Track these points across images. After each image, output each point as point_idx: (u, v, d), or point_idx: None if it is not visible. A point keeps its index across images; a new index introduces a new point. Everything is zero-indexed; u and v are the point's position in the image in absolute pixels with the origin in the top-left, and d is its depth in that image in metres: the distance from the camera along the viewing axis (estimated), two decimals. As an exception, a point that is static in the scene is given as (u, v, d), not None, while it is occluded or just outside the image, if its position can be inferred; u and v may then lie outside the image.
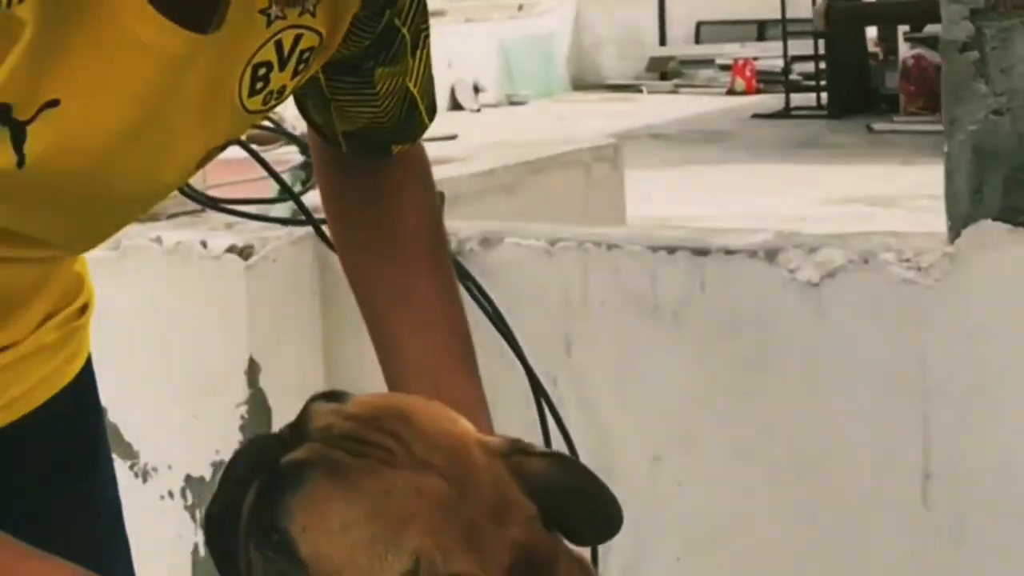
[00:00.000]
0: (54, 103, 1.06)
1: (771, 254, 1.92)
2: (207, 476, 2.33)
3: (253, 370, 2.27)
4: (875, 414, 1.89)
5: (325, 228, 2.28)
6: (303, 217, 2.26)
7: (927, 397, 1.85)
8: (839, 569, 1.97)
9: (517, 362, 2.08)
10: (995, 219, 1.77)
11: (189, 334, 2.28)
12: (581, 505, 1.11)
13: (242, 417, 2.28)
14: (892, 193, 8.39)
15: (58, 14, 1.04)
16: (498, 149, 3.09)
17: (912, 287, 1.83)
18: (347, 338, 2.34)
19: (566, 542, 1.10)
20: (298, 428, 1.09)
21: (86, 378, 1.51)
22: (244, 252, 2.24)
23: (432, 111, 1.35)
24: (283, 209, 2.32)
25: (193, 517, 2.35)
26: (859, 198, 8.45)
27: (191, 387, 2.30)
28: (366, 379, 2.34)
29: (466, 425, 1.11)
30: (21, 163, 1.07)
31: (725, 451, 2.00)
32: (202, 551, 2.35)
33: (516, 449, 1.11)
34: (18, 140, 1.07)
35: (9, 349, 1.34)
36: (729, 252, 1.94)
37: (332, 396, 1.11)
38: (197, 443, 2.32)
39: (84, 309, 1.45)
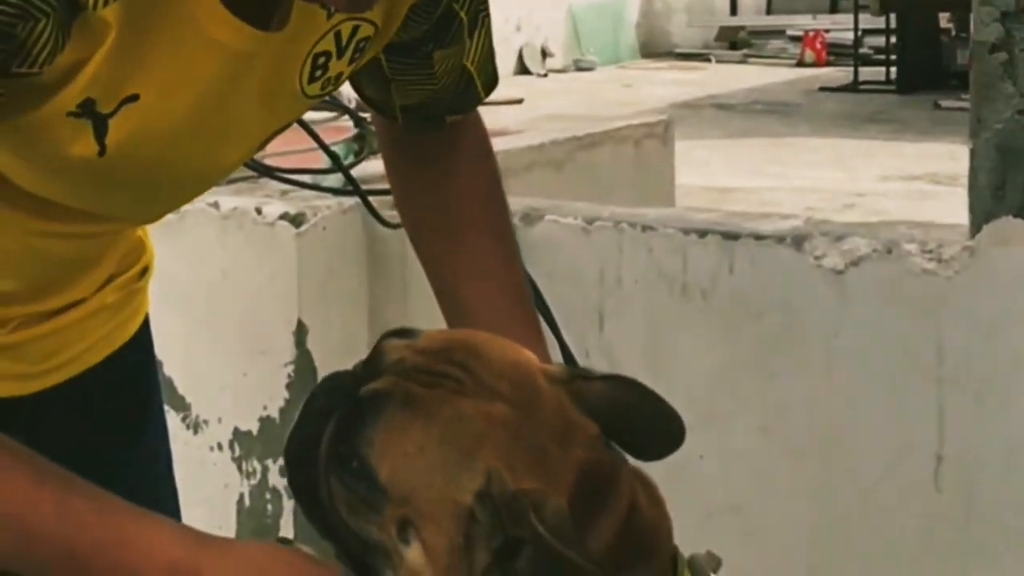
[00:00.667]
0: (134, 98, 1.13)
1: (798, 241, 1.97)
2: (254, 430, 2.41)
3: (301, 332, 2.35)
4: (892, 398, 1.94)
5: (372, 199, 2.36)
6: (352, 188, 2.34)
7: (943, 384, 1.90)
8: (852, 544, 2.02)
9: (551, 334, 2.15)
10: (1016, 216, 1.81)
11: (241, 296, 2.36)
12: (642, 421, 1.14)
13: (289, 376, 2.36)
14: (954, 172, 8.34)
15: (140, 16, 1.10)
16: (550, 123, 3.13)
17: (933, 278, 1.88)
18: (391, 303, 2.41)
19: (629, 459, 1.13)
20: (371, 364, 1.13)
21: (144, 336, 1.60)
22: (296, 220, 2.31)
23: (490, 85, 1.39)
24: (334, 180, 2.39)
25: (239, 468, 2.44)
26: (921, 175, 8.39)
27: (242, 346, 2.38)
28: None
29: (529, 355, 1.15)
30: (102, 152, 1.15)
31: (747, 427, 2.05)
32: (247, 501, 2.44)
33: (576, 375, 1.15)
34: (100, 132, 1.14)
35: (75, 308, 1.43)
36: (758, 237, 1.99)
37: (403, 333, 1.16)
38: (246, 399, 2.41)
39: (144, 272, 1.54)
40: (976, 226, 1.85)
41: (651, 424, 1.14)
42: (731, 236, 2.01)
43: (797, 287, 1.97)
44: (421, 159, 1.43)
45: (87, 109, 1.12)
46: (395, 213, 2.32)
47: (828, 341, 1.97)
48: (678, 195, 3.40)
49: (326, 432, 1.11)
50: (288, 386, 2.37)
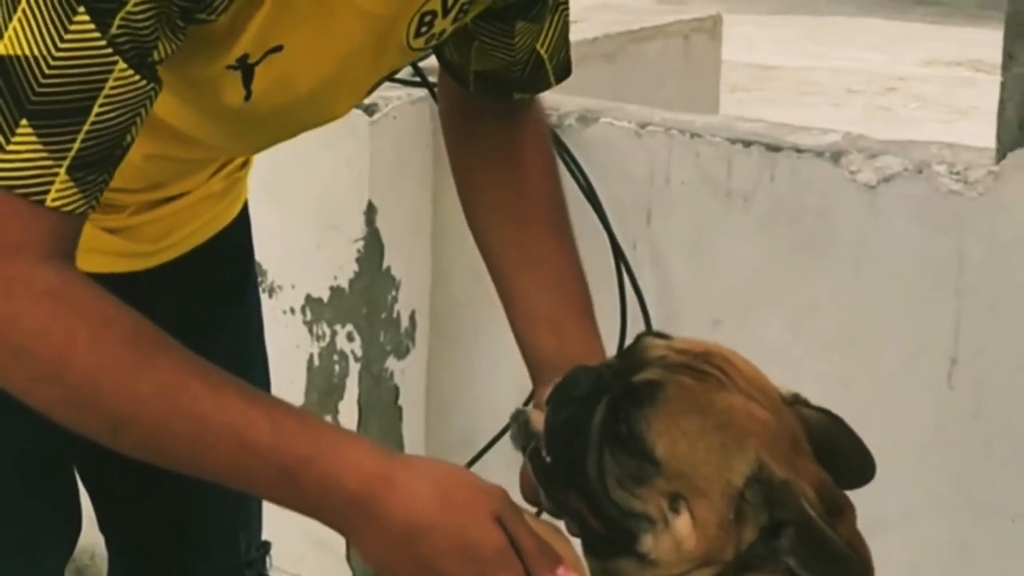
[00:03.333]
0: (278, 48, 1.22)
1: (836, 156, 2.05)
2: (324, 298, 2.54)
3: (371, 211, 2.46)
4: (913, 305, 2.04)
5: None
6: (420, 80, 2.43)
7: (960, 294, 1.99)
8: (869, 433, 2.13)
9: (602, 227, 2.25)
10: None
11: (318, 178, 2.47)
12: (847, 453, 1.24)
13: (358, 251, 2.47)
14: (997, 60, 8.29)
15: None
16: (603, 14, 3.18)
17: (958, 197, 1.96)
18: (454, 189, 2.52)
19: None
20: (631, 357, 1.23)
21: (243, 218, 1.72)
22: (369, 109, 2.40)
23: (562, 73, 1.44)
24: (404, 72, 2.48)
25: (310, 331, 2.57)
26: (963, 62, 8.33)
27: (317, 221, 2.49)
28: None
29: (763, 372, 1.24)
30: (248, 97, 1.24)
31: (779, 322, 2.16)
32: (316, 361, 2.57)
33: (797, 400, 1.25)
34: (247, 79, 1.23)
35: (187, 195, 1.55)
36: (799, 150, 2.08)
37: (660, 335, 1.25)
38: (318, 268, 2.53)
39: (246, 163, 1.65)
40: (1002, 153, 1.93)
41: (852, 458, 1.24)
42: (774, 148, 2.10)
43: (832, 198, 2.06)
44: (486, 151, 1.48)
45: (242, 62, 1.21)
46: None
47: (857, 248, 2.06)
48: (722, 71, 3.43)
49: (597, 413, 1.19)
50: (357, 260, 2.48)
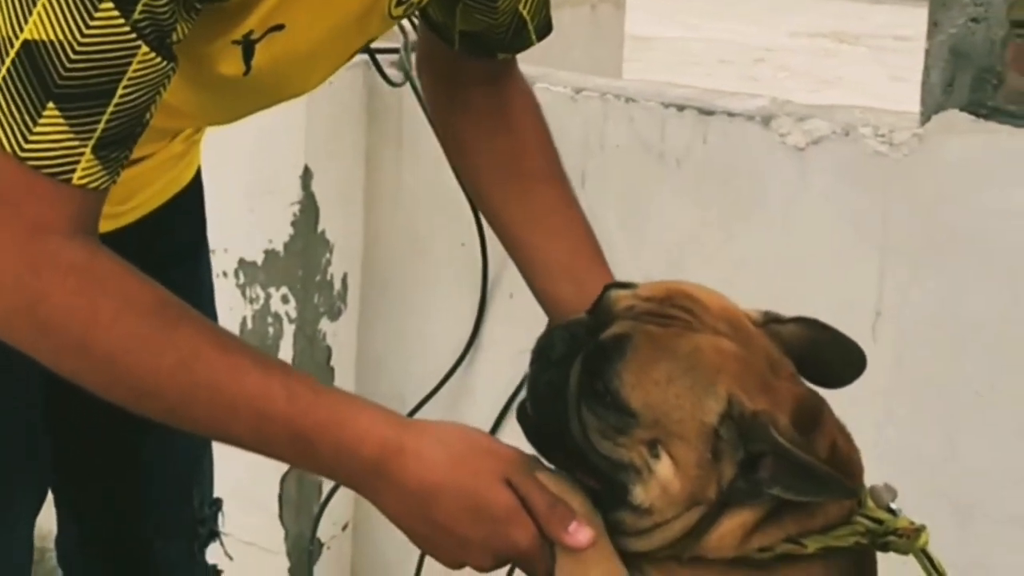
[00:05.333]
0: (280, 27, 1.24)
1: (766, 119, 2.11)
2: (258, 261, 2.54)
3: (307, 176, 2.47)
4: (839, 262, 2.11)
5: (379, 57, 2.47)
6: (359, 46, 2.44)
7: (885, 252, 2.06)
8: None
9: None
10: (962, 110, 1.94)
11: (253, 142, 2.46)
12: (833, 353, 1.25)
13: (294, 214, 2.48)
14: (859, 31, 8.50)
15: None
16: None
17: (884, 159, 2.03)
18: (387, 153, 2.54)
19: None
20: (600, 312, 1.23)
21: (198, 181, 1.73)
22: (308, 74, 2.41)
23: (543, 31, 1.47)
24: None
25: (243, 294, 2.56)
26: (828, 33, 8.54)
27: (251, 186, 2.49)
28: (402, 187, 2.57)
29: (732, 302, 1.24)
30: (247, 72, 1.26)
31: (708, 280, 2.19)
32: (250, 323, 2.58)
33: (770, 318, 1.26)
34: (248, 54, 1.25)
35: (150, 158, 1.56)
36: (731, 114, 2.13)
37: (624, 285, 1.26)
38: (251, 232, 2.53)
39: (183, 131, 1.66)
40: (926, 116, 2.00)
41: (839, 356, 1.26)
42: (707, 112, 2.15)
43: (762, 160, 2.12)
44: (478, 115, 1.49)
45: (246, 38, 1.23)
46: (397, 72, 2.45)
47: (786, 209, 2.13)
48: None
49: (572, 373, 1.20)
50: (293, 223, 2.49)
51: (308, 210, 2.47)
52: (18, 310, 1.15)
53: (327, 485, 2.67)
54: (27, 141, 1.12)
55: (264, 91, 1.38)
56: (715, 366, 1.18)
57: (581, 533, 1.20)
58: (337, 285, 2.57)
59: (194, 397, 1.18)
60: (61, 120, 1.12)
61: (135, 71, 1.13)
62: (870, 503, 1.24)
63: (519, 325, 2.50)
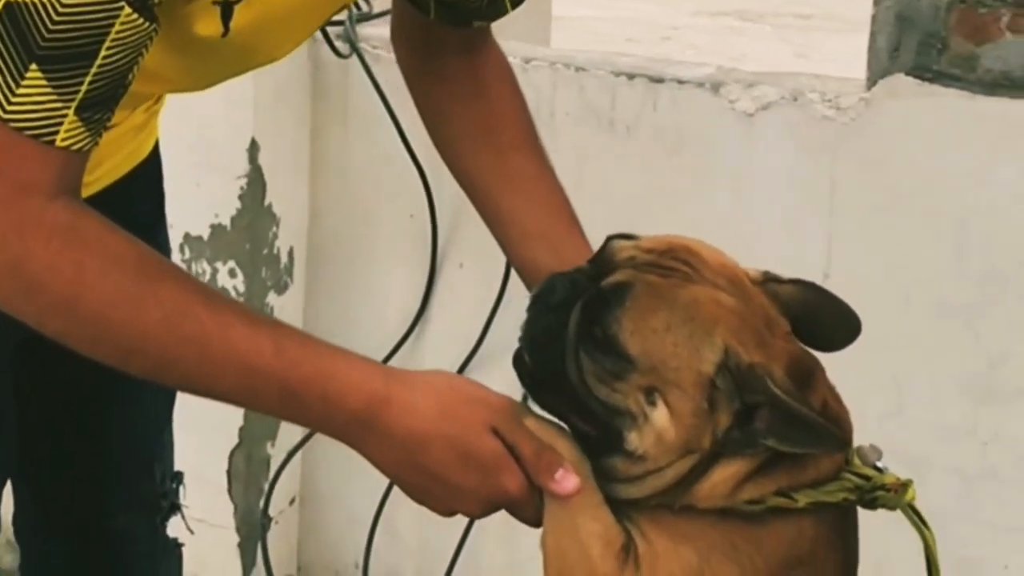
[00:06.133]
0: None
1: (716, 86, 2.16)
2: (204, 235, 2.53)
3: (254, 149, 2.46)
4: (789, 224, 2.16)
5: (326, 28, 2.47)
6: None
7: (834, 213, 2.11)
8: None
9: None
10: (907, 74, 2.00)
11: (198, 116, 2.44)
12: (829, 317, 1.27)
13: (241, 188, 2.47)
14: (762, 10, 8.61)
15: None
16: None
17: (831, 123, 2.08)
18: (333, 127, 2.54)
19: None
20: (601, 261, 1.25)
21: (156, 153, 1.74)
22: (256, 47, 2.40)
23: (517, 0, 1.47)
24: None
25: (189, 269, 2.55)
26: (730, 12, 8.64)
27: (196, 160, 2.48)
28: (348, 159, 2.57)
29: (731, 259, 1.26)
30: (225, 33, 1.26)
31: (659, 245, 2.26)
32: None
33: (769, 278, 1.27)
34: (227, 16, 1.25)
35: (113, 128, 1.54)
36: (680, 81, 2.17)
37: (626, 236, 1.28)
38: (197, 207, 2.51)
39: (160, 97, 1.66)
40: (872, 81, 2.06)
41: (834, 320, 1.27)
42: (656, 79, 2.19)
43: (712, 127, 2.16)
44: (454, 85, 1.49)
45: (226, 2, 1.23)
46: (344, 44, 2.46)
47: (736, 174, 2.17)
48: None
49: (572, 318, 1.21)
50: (240, 197, 2.48)
51: (255, 183, 2.47)
52: (3, 271, 1.15)
53: (276, 460, 2.67)
54: (10, 103, 1.12)
55: (238, 56, 1.39)
56: (713, 317, 1.20)
57: (568, 480, 1.22)
58: (284, 259, 2.57)
59: (181, 352, 1.18)
60: (44, 82, 1.12)
61: (118, 32, 1.13)
62: (856, 461, 1.26)
63: (469, 295, 2.54)
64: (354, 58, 2.44)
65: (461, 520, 2.60)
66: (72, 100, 1.13)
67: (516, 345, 2.45)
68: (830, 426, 1.21)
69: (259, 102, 2.43)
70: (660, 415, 1.19)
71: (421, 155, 2.42)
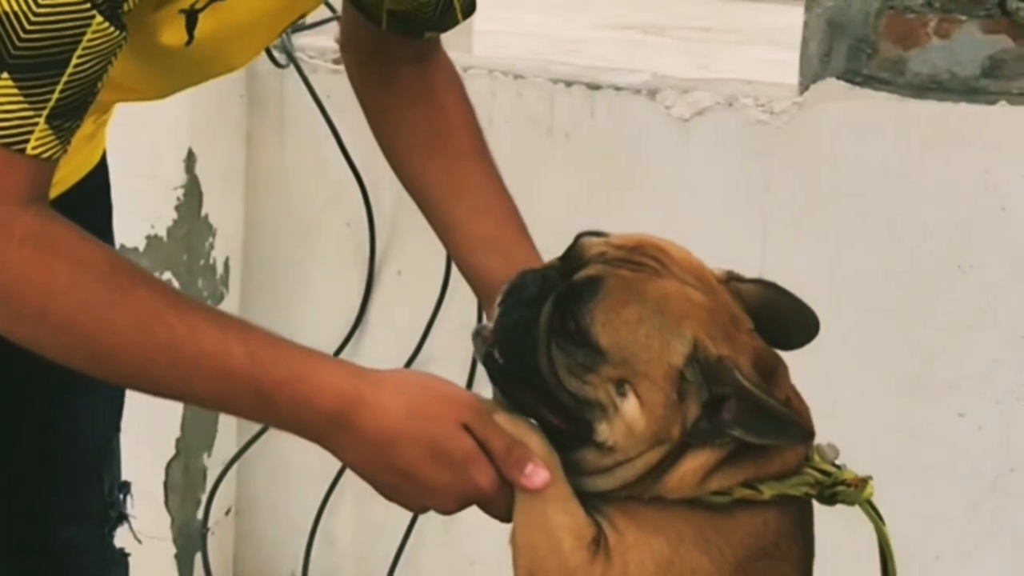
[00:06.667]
0: None
1: (652, 93, 2.20)
2: (140, 247, 2.52)
3: (191, 159, 2.46)
4: (724, 226, 2.21)
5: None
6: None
7: (768, 215, 2.16)
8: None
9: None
10: (838, 78, 2.06)
11: (133, 126, 2.43)
12: (789, 316, 1.30)
13: (178, 199, 2.47)
14: (663, 23, 8.72)
15: None
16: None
17: (765, 127, 2.13)
18: (270, 138, 2.55)
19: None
20: (572, 257, 1.27)
21: (104, 162, 1.74)
22: (193, 57, 2.41)
23: (469, 9, 1.50)
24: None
25: (123, 283, 2.55)
26: (634, 25, 8.74)
27: (132, 170, 2.47)
28: (284, 169, 2.58)
29: (697, 258, 1.29)
30: (189, 42, 1.28)
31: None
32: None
33: (732, 276, 1.31)
34: (191, 24, 1.27)
35: None
36: (618, 88, 2.22)
37: (596, 233, 1.30)
38: (132, 218, 2.50)
39: (110, 107, 1.67)
40: (804, 85, 2.12)
41: (794, 319, 1.30)
42: (594, 86, 2.23)
43: (649, 132, 2.20)
44: (404, 95, 1.51)
45: (192, 7, 1.25)
46: (280, 53, 2.48)
47: (672, 177, 2.21)
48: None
49: (544, 311, 1.23)
50: (177, 207, 2.48)
51: (192, 194, 2.47)
52: None
53: (212, 471, 2.67)
54: None
55: (199, 65, 1.40)
56: (682, 311, 1.23)
57: (538, 475, 1.24)
58: (220, 269, 2.58)
59: (153, 358, 1.19)
60: (15, 90, 1.13)
61: (89, 41, 1.14)
62: (816, 458, 1.30)
63: (407, 302, 2.56)
64: (290, 68, 2.46)
65: (399, 527, 2.63)
66: (43, 108, 1.14)
67: (455, 352, 2.48)
68: (796, 417, 1.24)
69: (196, 112, 2.44)
70: (630, 406, 1.22)
71: (359, 163, 2.44)
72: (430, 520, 2.60)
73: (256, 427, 2.65)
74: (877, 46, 2.03)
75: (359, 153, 2.44)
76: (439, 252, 2.39)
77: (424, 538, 2.61)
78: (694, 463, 1.24)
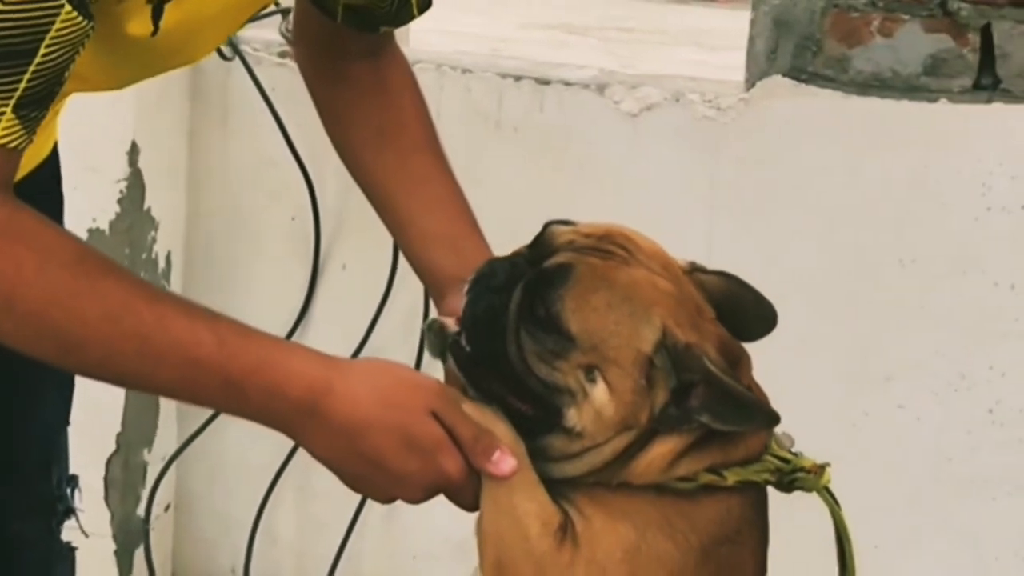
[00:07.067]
0: None
1: (601, 88, 2.24)
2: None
3: (134, 152, 2.45)
4: (670, 220, 2.22)
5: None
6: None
7: (713, 210, 2.20)
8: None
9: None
10: (784, 75, 2.11)
11: (75, 119, 2.42)
12: (748, 308, 1.32)
13: (121, 192, 2.46)
14: (587, 23, 8.77)
15: None
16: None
17: (712, 123, 2.17)
18: (212, 130, 2.55)
19: None
20: (540, 245, 1.28)
21: (56, 152, 1.74)
22: (137, 49, 2.40)
23: (424, 5, 1.49)
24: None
25: (63, 277, 2.53)
26: (557, 25, 8.78)
27: (73, 163, 2.45)
28: (227, 162, 2.58)
29: (663, 248, 1.30)
30: (155, 32, 1.28)
31: (544, 244, 2.32)
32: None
33: (695, 267, 1.33)
34: (157, 15, 1.26)
35: None
36: (567, 83, 2.25)
37: (564, 222, 1.30)
38: (74, 211, 2.48)
39: (65, 96, 1.67)
40: (751, 82, 2.16)
41: (754, 311, 1.32)
42: (543, 81, 2.25)
43: (597, 127, 2.23)
44: (358, 89, 1.50)
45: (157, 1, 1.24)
46: (226, 47, 2.47)
47: (620, 172, 2.24)
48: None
49: (513, 298, 1.24)
50: (119, 201, 2.46)
51: (134, 187, 2.45)
52: None
53: (152, 467, 2.66)
54: None
55: (162, 56, 1.40)
56: (651, 299, 1.25)
57: (505, 462, 1.25)
58: (162, 263, 2.57)
59: (122, 347, 1.19)
60: None
61: (57, 30, 1.14)
62: (774, 446, 1.32)
63: (352, 296, 2.57)
64: (235, 61, 2.46)
65: (341, 523, 2.63)
66: (10, 98, 1.14)
67: (400, 346, 2.49)
68: (761, 402, 1.27)
69: (141, 105, 2.42)
70: (600, 392, 1.23)
71: (304, 157, 2.45)
72: (372, 515, 2.61)
73: (197, 423, 2.64)
74: (822, 44, 2.07)
75: (304, 147, 2.44)
76: (385, 246, 2.44)
77: (365, 533, 2.62)
78: (662, 449, 1.26)
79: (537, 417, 1.26)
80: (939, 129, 2.11)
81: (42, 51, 1.14)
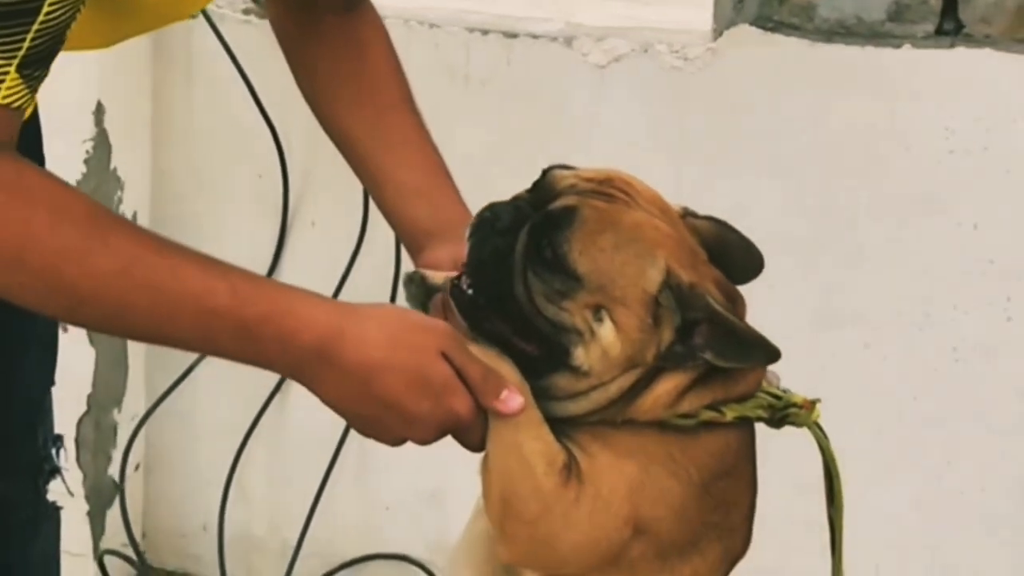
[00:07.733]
0: None
1: (568, 40, 2.25)
2: (47, 203, 2.50)
3: (100, 112, 2.44)
4: (640, 171, 2.24)
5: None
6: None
7: (682, 155, 2.22)
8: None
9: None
10: (751, 24, 2.13)
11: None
12: (738, 252, 1.35)
13: (87, 152, 2.45)
14: None
15: None
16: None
17: (679, 73, 2.20)
18: (176, 89, 2.55)
19: None
20: (541, 189, 1.31)
21: (36, 113, 1.74)
22: (104, 7, 2.38)
23: None
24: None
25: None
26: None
27: (42, 123, 2.45)
28: (192, 121, 2.58)
29: (659, 193, 1.34)
30: None
31: (515, 191, 2.34)
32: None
33: (688, 213, 1.37)
34: None
35: None
36: (534, 36, 2.26)
37: (565, 167, 1.33)
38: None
39: None
40: (718, 32, 2.18)
41: (742, 256, 1.36)
42: (510, 35, 2.27)
43: (565, 79, 2.24)
44: (332, 47, 1.51)
45: None
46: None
47: (589, 124, 2.26)
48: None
49: (520, 239, 1.27)
50: (86, 161, 2.45)
51: (101, 147, 2.45)
52: None
53: (123, 428, 2.67)
54: None
55: (153, 13, 1.41)
56: (654, 240, 1.29)
57: (512, 400, 1.28)
58: (128, 223, 2.57)
59: (135, 300, 1.20)
60: None
61: None
62: (764, 383, 1.36)
63: (321, 254, 2.58)
64: (199, 18, 2.45)
65: (315, 478, 2.65)
66: (14, 57, 1.15)
67: (371, 300, 2.51)
68: (764, 339, 1.30)
69: (105, 64, 2.42)
70: (607, 331, 1.26)
71: (272, 114, 2.45)
72: (344, 468, 2.63)
73: (167, 382, 2.65)
74: (779, -8, 2.11)
75: (271, 104, 2.44)
76: (354, 203, 2.45)
77: (338, 486, 2.65)
78: (667, 386, 1.29)
79: (542, 357, 1.29)
80: (903, 74, 2.16)
81: (45, 10, 1.15)
